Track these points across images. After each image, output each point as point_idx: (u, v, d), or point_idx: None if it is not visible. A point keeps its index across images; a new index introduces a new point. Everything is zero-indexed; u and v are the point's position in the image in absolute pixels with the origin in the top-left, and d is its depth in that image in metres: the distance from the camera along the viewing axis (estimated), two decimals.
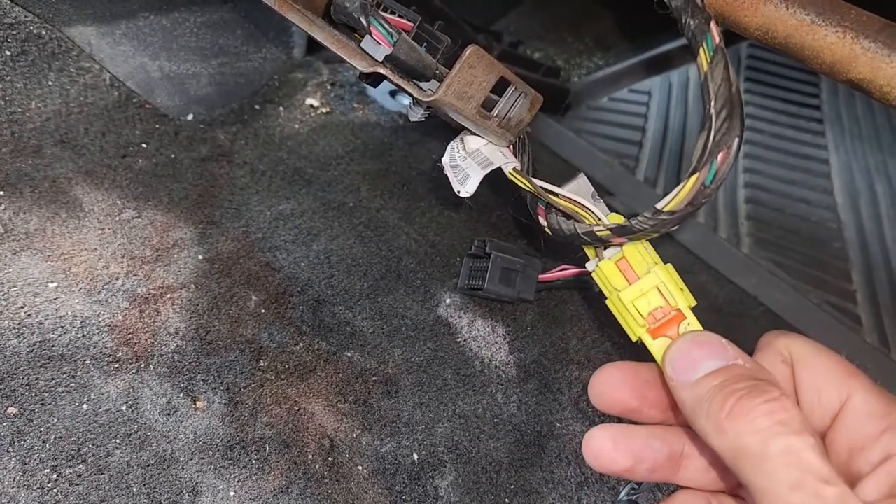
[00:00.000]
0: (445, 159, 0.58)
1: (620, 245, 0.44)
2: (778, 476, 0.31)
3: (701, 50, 0.38)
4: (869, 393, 0.37)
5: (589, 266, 0.47)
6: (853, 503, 0.30)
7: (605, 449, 0.42)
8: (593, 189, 0.51)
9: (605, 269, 0.45)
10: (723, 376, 0.36)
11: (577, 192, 0.51)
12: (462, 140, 0.58)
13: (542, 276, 0.88)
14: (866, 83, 0.50)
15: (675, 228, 0.42)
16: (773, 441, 0.32)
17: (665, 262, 0.44)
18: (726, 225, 1.22)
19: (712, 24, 0.38)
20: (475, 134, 0.57)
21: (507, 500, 0.75)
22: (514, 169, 0.54)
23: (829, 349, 0.40)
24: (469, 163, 0.57)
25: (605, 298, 0.46)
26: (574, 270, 0.87)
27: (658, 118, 1.42)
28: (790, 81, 1.55)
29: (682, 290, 0.43)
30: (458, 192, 0.57)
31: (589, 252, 0.47)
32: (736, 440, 0.33)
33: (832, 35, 0.50)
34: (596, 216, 0.47)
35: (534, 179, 0.52)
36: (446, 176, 0.57)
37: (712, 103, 0.37)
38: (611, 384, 0.44)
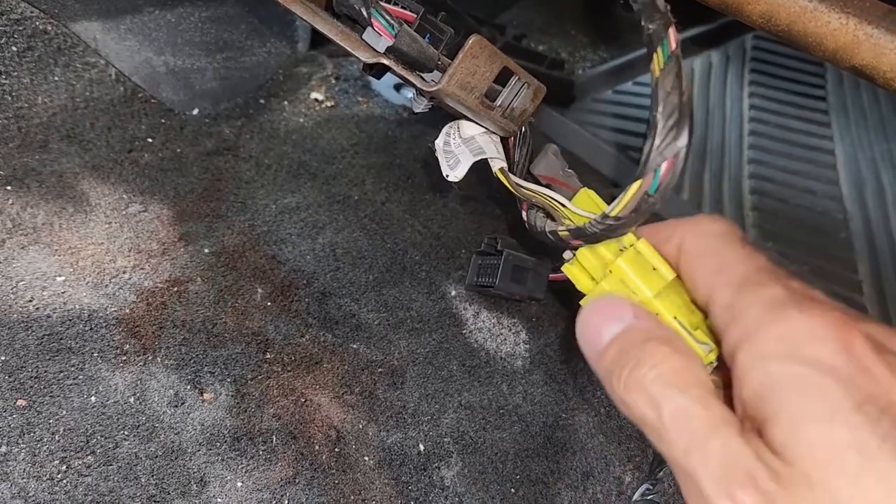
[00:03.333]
0: (439, 143, 0.58)
1: (578, 247, 0.44)
2: (675, 443, 0.31)
3: (655, 55, 0.37)
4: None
5: (566, 255, 0.47)
6: (736, 442, 0.30)
7: None
8: (564, 163, 0.51)
9: (568, 273, 0.45)
10: (619, 344, 0.36)
11: (548, 169, 0.51)
12: (458, 126, 0.58)
13: (552, 276, 0.88)
14: (870, 69, 0.50)
15: (625, 234, 0.41)
16: (665, 406, 0.32)
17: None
18: (731, 215, 1.22)
19: (671, 30, 0.37)
20: (472, 121, 0.57)
21: (512, 490, 0.76)
22: (500, 168, 0.55)
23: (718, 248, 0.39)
24: (462, 149, 0.57)
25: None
26: None
27: None
28: (795, 72, 1.55)
29: (649, 272, 0.41)
30: (447, 176, 0.57)
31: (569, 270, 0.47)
32: (637, 414, 0.33)
33: (835, 21, 0.50)
34: (567, 213, 0.46)
35: (512, 177, 0.52)
36: (436, 159, 0.58)
37: (660, 109, 0.36)
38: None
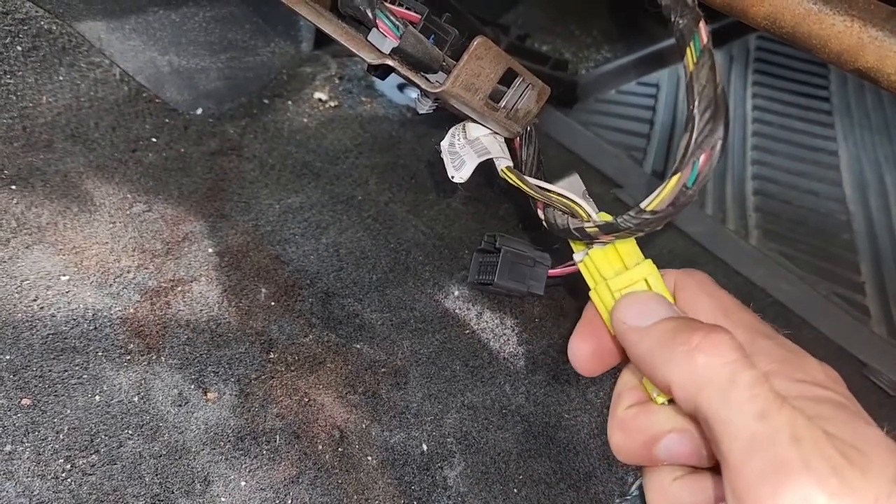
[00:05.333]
0: (444, 144, 0.58)
1: (608, 242, 0.44)
2: (744, 406, 0.32)
3: (688, 50, 0.38)
4: (736, 329, 0.38)
5: (576, 257, 0.47)
6: (802, 422, 0.31)
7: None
8: (584, 188, 0.51)
9: (595, 257, 0.45)
10: (679, 321, 0.38)
11: (569, 190, 0.51)
12: (464, 128, 0.58)
13: (551, 272, 0.89)
14: (874, 72, 0.50)
15: (658, 228, 0.41)
16: (742, 372, 0.33)
17: (650, 257, 0.45)
18: (734, 216, 1.22)
19: (701, 24, 0.38)
20: (477, 122, 0.57)
21: (515, 491, 0.76)
22: (507, 167, 0.55)
23: (711, 290, 0.42)
24: (467, 150, 0.57)
25: (589, 290, 0.46)
26: None
27: (666, 111, 1.42)
28: (799, 73, 1.55)
29: (663, 289, 0.43)
30: (452, 177, 0.57)
31: (575, 246, 0.48)
32: (704, 370, 0.34)
33: (840, 24, 0.50)
34: (587, 212, 0.47)
35: (527, 178, 0.52)
36: (442, 160, 0.58)
37: (696, 104, 0.37)
38: (589, 354, 0.45)
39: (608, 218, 0.46)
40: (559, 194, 0.49)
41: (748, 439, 0.31)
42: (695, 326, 0.36)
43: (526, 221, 1.01)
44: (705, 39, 0.37)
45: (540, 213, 0.52)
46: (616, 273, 0.44)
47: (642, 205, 0.40)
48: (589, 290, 0.46)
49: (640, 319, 0.39)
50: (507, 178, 0.54)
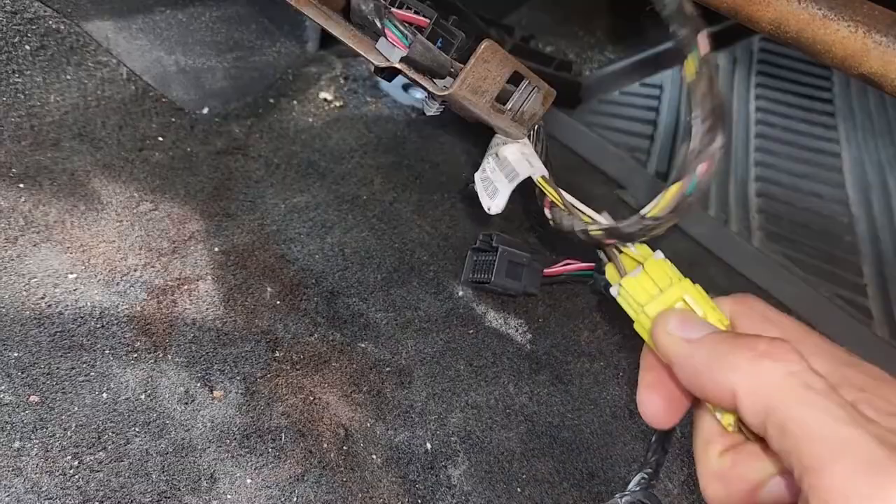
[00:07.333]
0: (477, 175, 0.58)
1: (611, 246, 0.44)
2: (829, 409, 0.31)
3: (687, 60, 0.39)
4: (813, 357, 0.37)
5: (612, 291, 0.46)
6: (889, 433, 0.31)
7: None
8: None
9: (628, 286, 0.43)
10: (732, 333, 0.37)
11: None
12: (496, 154, 0.58)
13: (546, 271, 0.90)
14: (878, 77, 0.50)
15: (662, 233, 0.41)
16: (814, 378, 0.33)
17: (686, 276, 0.43)
18: (737, 218, 1.23)
19: (700, 35, 0.38)
20: (506, 144, 0.57)
21: (518, 490, 0.76)
22: (543, 177, 0.54)
23: (772, 316, 0.40)
24: (498, 175, 0.57)
25: (633, 323, 0.44)
26: (577, 265, 0.89)
27: (670, 112, 1.42)
28: (802, 75, 1.55)
29: (713, 308, 0.41)
30: (489, 208, 0.55)
31: (610, 276, 0.46)
32: (773, 375, 0.33)
33: (844, 29, 0.50)
34: (609, 230, 0.46)
35: (563, 193, 0.52)
36: (475, 192, 0.57)
37: (695, 113, 0.37)
38: (663, 404, 0.43)
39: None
40: (588, 215, 0.49)
41: (838, 441, 0.30)
42: (754, 336, 0.35)
43: (535, 224, 1.02)
44: (704, 49, 0.38)
45: (547, 212, 0.52)
46: (651, 297, 0.42)
47: (643, 211, 0.40)
48: (633, 322, 0.44)
49: (688, 331, 0.38)
50: (542, 187, 0.53)
